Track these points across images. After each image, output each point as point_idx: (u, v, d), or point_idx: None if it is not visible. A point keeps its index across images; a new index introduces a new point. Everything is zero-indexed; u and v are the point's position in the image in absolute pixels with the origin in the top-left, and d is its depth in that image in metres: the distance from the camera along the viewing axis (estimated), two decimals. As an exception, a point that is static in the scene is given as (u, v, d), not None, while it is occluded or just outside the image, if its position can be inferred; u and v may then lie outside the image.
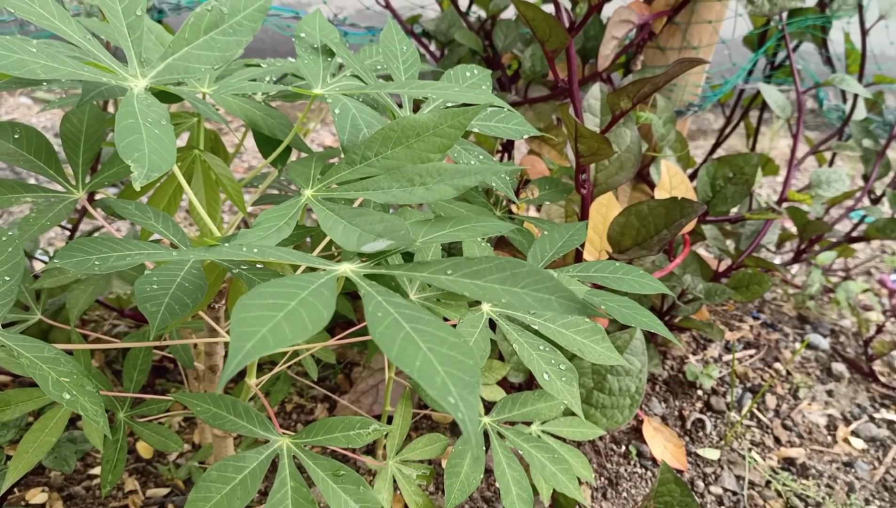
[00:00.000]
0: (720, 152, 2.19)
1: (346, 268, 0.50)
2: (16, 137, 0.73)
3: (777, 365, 1.50)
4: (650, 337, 1.40)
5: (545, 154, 1.36)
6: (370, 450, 1.08)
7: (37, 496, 1.02)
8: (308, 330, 0.39)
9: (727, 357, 1.50)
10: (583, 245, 1.08)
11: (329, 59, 0.75)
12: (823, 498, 1.19)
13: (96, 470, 1.08)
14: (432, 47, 1.47)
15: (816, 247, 1.61)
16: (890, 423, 1.39)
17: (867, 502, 1.20)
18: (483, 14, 1.45)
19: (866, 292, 1.86)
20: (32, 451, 0.69)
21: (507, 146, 1.50)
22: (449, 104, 0.82)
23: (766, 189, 2.58)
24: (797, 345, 1.59)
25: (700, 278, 1.29)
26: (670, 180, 1.20)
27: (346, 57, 0.75)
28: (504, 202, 1.07)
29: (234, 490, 0.60)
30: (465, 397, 0.38)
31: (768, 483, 1.21)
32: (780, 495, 1.19)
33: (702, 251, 1.88)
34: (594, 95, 1.07)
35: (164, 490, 1.06)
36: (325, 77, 0.72)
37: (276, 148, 0.76)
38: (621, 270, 0.90)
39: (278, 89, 0.69)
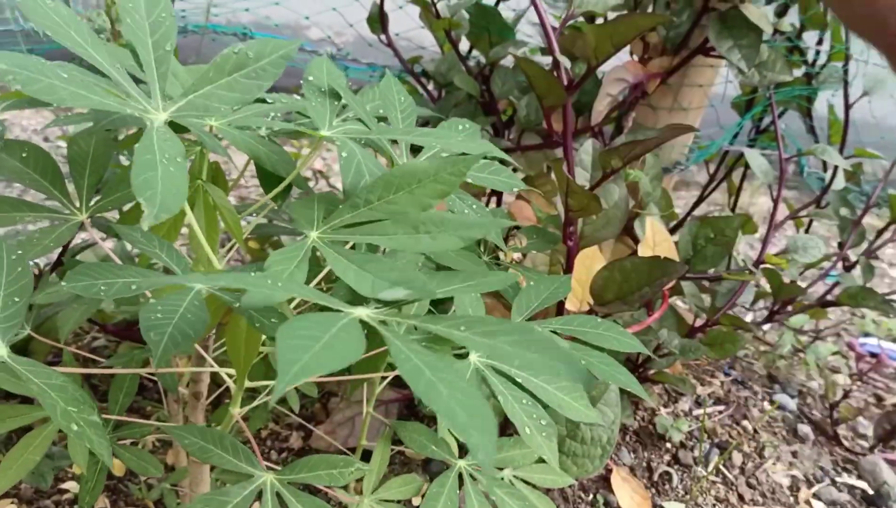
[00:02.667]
0: (702, 207, 2.25)
1: (362, 312, 0.52)
2: (23, 155, 0.74)
3: (745, 423, 1.53)
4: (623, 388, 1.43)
5: (534, 201, 1.39)
6: (345, 486, 1.09)
7: (6, 507, 1.02)
8: (344, 359, 0.41)
9: (697, 412, 1.53)
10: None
11: (335, 102, 0.78)
12: (783, 559, 1.21)
13: (67, 485, 1.07)
14: (431, 87, 1.50)
15: (790, 308, 1.65)
16: (851, 488, 1.42)
17: (825, 565, 1.23)
18: (482, 59, 1.49)
19: (835, 355, 1.91)
20: (15, 468, 0.69)
21: (497, 191, 1.52)
22: (444, 154, 0.85)
23: (744, 246, 2.64)
24: (766, 404, 1.62)
25: (676, 334, 1.32)
26: (654, 238, 1.23)
27: (351, 102, 0.77)
28: (491, 248, 1.09)
29: (217, 522, 0.61)
30: (486, 442, 0.39)
31: (730, 540, 1.23)
32: (740, 553, 1.21)
33: (679, 303, 1.92)
34: (587, 150, 1.11)
35: (135, 510, 1.06)
36: (330, 119, 0.75)
37: (278, 183, 0.78)
38: (602, 326, 0.93)
39: (287, 128, 0.71)
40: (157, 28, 0.65)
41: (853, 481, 1.44)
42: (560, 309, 1.13)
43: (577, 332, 0.91)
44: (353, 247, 0.70)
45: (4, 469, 0.69)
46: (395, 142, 0.84)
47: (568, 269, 1.08)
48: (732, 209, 1.86)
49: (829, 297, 1.64)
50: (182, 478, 1.01)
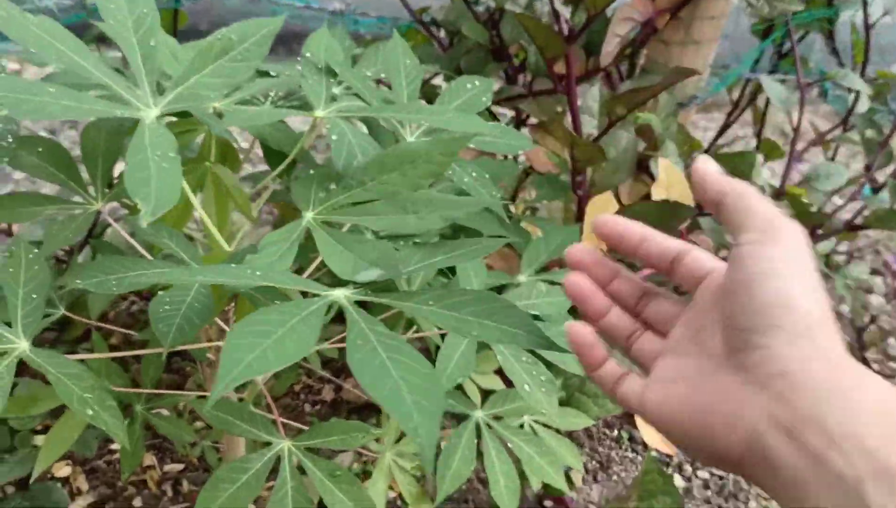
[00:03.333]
0: (733, 130, 2.21)
1: (340, 294, 0.55)
2: (39, 150, 0.78)
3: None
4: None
5: (548, 145, 1.40)
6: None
7: (62, 469, 1.10)
8: (291, 357, 0.45)
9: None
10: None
11: (332, 78, 0.79)
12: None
13: (116, 445, 1.15)
14: (442, 35, 1.50)
15: (819, 232, 1.64)
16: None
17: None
18: (492, 4, 1.47)
19: (872, 274, 1.89)
20: (61, 442, 0.75)
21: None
22: (455, 107, 0.86)
23: (768, 173, 2.60)
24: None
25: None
26: (667, 179, 1.23)
27: (348, 78, 0.79)
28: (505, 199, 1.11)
29: (240, 488, 0.66)
30: (427, 424, 0.43)
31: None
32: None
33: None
34: (593, 97, 1.11)
35: (180, 466, 1.13)
36: (327, 98, 0.77)
37: (283, 159, 0.81)
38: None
39: (281, 115, 0.72)
40: (140, 25, 0.67)
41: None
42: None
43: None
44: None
45: (51, 442, 0.75)
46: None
47: (579, 217, 1.09)
48: (758, 135, 1.83)
49: (857, 221, 1.63)
50: (220, 437, 1.07)
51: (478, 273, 0.79)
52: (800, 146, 1.43)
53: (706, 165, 0.43)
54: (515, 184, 1.18)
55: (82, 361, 0.61)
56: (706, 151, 1.66)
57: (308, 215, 0.66)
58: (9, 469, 0.92)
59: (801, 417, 0.35)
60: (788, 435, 0.35)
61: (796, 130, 1.41)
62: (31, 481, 0.93)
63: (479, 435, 0.89)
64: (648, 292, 0.48)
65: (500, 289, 0.92)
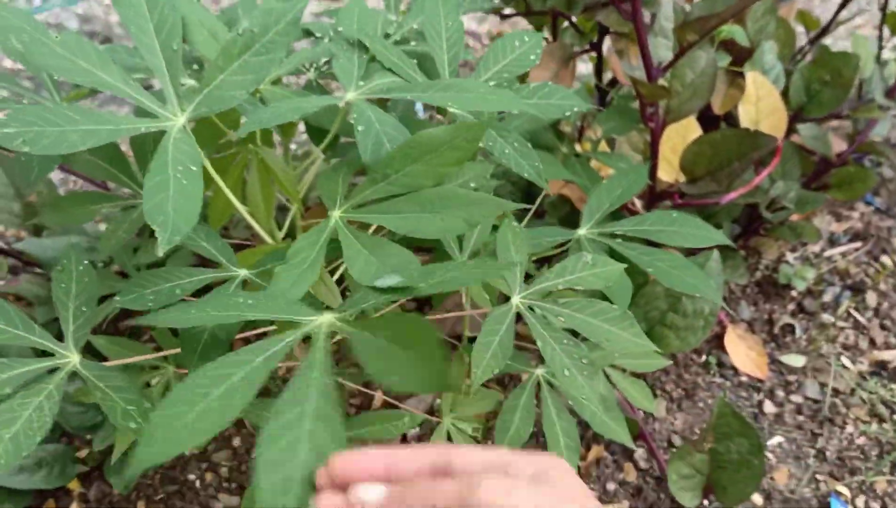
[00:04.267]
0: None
1: (325, 320, 0.55)
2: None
3: (884, 258, 1.44)
4: (741, 242, 1.38)
5: (632, 55, 1.31)
6: (430, 411, 1.17)
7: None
8: (208, 433, 0.44)
9: (830, 251, 1.46)
10: (653, 176, 1.07)
11: (365, 54, 0.77)
12: (912, 406, 1.19)
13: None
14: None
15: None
16: None
17: (962, 408, 1.19)
18: None
19: None
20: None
21: (597, 45, 1.44)
22: (500, 68, 0.82)
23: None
24: (913, 232, 1.51)
25: (794, 183, 1.24)
26: (756, 92, 1.14)
27: (380, 53, 0.76)
28: (571, 137, 1.06)
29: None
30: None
31: (853, 390, 1.21)
32: (864, 402, 1.19)
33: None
34: (666, 16, 1.02)
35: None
36: (357, 77, 0.75)
37: (325, 135, 0.80)
38: (678, 221, 0.90)
39: (316, 108, 0.70)
40: (161, 28, 0.67)
41: None
42: (651, 192, 1.10)
43: (650, 233, 0.90)
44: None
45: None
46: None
47: (653, 153, 1.04)
48: (882, 9, 1.64)
49: None
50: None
51: (518, 245, 0.77)
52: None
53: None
54: (580, 124, 1.12)
55: (125, 368, 0.66)
56: (824, 30, 1.50)
57: (335, 215, 0.66)
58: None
59: None
60: None
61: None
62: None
63: (538, 395, 0.89)
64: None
65: (563, 243, 0.90)
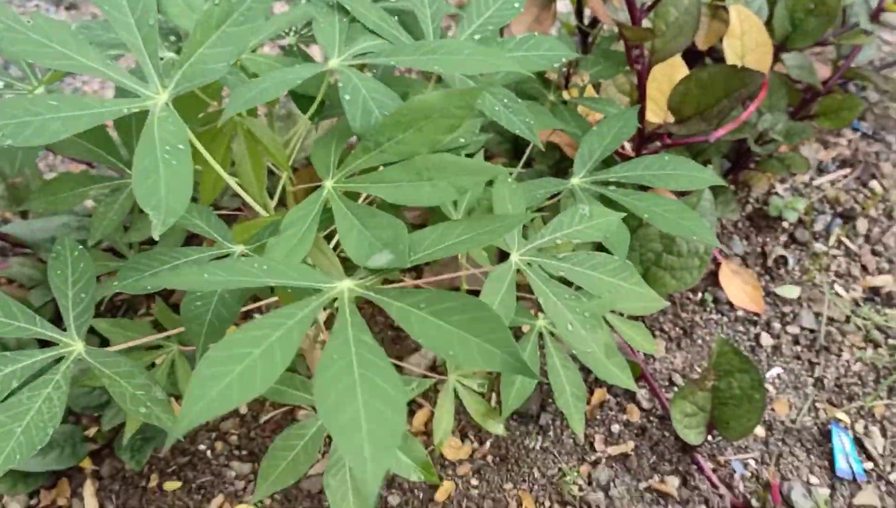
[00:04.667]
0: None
1: (344, 287, 0.55)
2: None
3: (874, 183, 1.45)
4: (731, 177, 1.38)
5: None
6: (433, 367, 1.18)
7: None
8: (257, 389, 0.45)
9: (820, 180, 1.46)
10: (642, 118, 1.06)
11: (345, 17, 0.75)
12: (906, 329, 1.20)
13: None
14: None
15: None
16: None
17: (954, 328, 1.21)
18: None
19: None
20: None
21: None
22: (484, 21, 0.80)
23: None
24: (900, 155, 1.51)
25: (782, 114, 1.24)
26: (741, 26, 1.12)
27: (362, 14, 0.74)
28: (558, 85, 1.05)
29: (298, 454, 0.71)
30: (378, 457, 0.41)
31: (848, 318, 1.23)
32: (859, 329, 1.21)
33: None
34: (647, -46, 1.00)
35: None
36: (340, 42, 0.73)
37: (311, 102, 0.79)
38: (670, 164, 0.90)
39: (301, 79, 0.69)
40: (135, 4, 0.65)
41: None
42: (640, 134, 1.09)
43: (643, 178, 0.90)
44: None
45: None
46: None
47: (641, 96, 1.03)
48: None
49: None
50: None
51: (515, 201, 0.77)
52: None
53: None
54: (565, 72, 1.11)
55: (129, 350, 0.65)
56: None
57: (328, 185, 0.65)
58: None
59: None
60: None
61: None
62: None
63: (542, 346, 0.90)
64: None
65: (554, 194, 0.89)
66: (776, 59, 1.23)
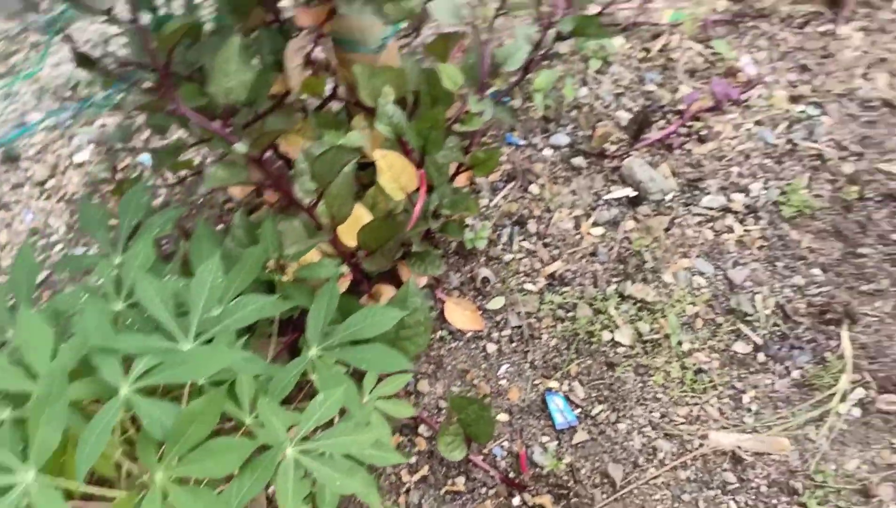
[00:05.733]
0: None
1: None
2: None
3: (533, 188, 1.94)
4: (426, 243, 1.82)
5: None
6: None
7: None
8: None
9: (496, 200, 1.94)
10: (355, 263, 1.47)
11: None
12: (577, 297, 1.72)
13: None
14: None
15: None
16: (619, 200, 1.87)
17: (608, 282, 1.74)
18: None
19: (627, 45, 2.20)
20: None
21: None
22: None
23: None
24: (546, 152, 2.01)
25: (448, 189, 1.67)
26: (390, 169, 1.53)
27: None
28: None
29: None
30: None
31: (539, 307, 1.73)
32: (549, 312, 1.72)
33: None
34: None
35: None
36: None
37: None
38: (372, 313, 1.32)
39: None
40: None
41: (620, 192, 1.89)
42: (356, 275, 1.50)
43: (355, 333, 1.32)
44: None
45: None
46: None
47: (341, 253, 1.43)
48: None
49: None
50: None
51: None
52: None
53: None
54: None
55: None
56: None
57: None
58: None
59: None
60: None
61: None
62: None
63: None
64: None
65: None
66: (423, 161, 1.66)
